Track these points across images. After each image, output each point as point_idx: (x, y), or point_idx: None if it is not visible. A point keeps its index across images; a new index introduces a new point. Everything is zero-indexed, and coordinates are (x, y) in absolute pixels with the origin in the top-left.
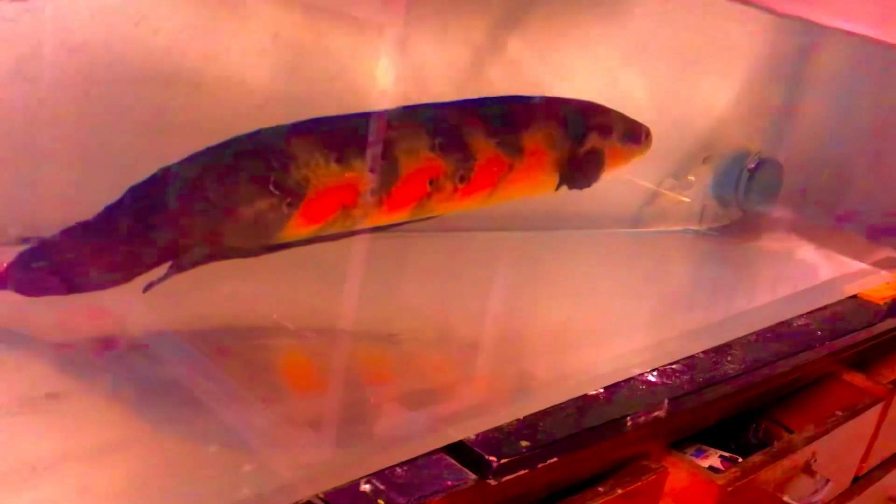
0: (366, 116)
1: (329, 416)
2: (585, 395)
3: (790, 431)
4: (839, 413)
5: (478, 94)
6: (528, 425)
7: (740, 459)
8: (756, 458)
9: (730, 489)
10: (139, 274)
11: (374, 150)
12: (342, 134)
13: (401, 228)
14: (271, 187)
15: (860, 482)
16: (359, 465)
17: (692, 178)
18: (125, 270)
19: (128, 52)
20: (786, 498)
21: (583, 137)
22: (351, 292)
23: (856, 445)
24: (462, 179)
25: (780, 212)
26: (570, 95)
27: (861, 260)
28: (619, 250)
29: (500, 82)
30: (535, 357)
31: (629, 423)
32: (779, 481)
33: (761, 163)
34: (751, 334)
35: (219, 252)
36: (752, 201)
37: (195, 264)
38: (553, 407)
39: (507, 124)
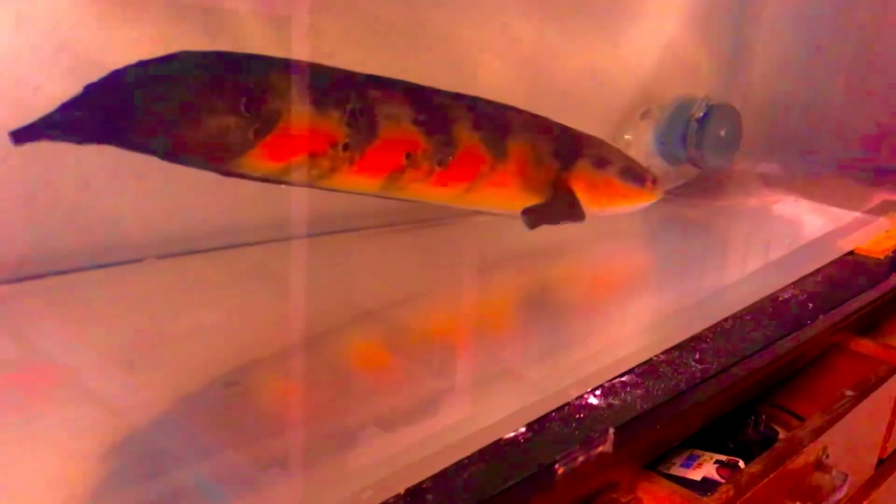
0: (352, 73)
1: None
2: (499, 441)
3: (798, 417)
4: (849, 393)
5: None
6: (411, 501)
7: (741, 463)
8: (753, 467)
9: None
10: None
11: (352, 105)
12: (324, 81)
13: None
14: (242, 108)
15: (885, 464)
16: None
17: (629, 138)
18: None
19: None
20: None
21: (570, 162)
22: None
23: (875, 425)
24: (440, 163)
25: (745, 163)
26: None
27: (853, 209)
28: (552, 233)
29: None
30: (430, 391)
31: (560, 471)
32: (786, 489)
33: (711, 110)
34: (724, 320)
35: (177, 155)
36: (706, 155)
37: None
38: (451, 466)
39: (495, 124)
